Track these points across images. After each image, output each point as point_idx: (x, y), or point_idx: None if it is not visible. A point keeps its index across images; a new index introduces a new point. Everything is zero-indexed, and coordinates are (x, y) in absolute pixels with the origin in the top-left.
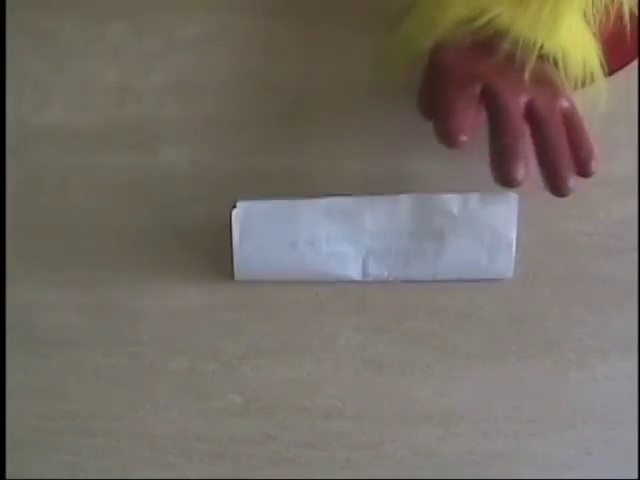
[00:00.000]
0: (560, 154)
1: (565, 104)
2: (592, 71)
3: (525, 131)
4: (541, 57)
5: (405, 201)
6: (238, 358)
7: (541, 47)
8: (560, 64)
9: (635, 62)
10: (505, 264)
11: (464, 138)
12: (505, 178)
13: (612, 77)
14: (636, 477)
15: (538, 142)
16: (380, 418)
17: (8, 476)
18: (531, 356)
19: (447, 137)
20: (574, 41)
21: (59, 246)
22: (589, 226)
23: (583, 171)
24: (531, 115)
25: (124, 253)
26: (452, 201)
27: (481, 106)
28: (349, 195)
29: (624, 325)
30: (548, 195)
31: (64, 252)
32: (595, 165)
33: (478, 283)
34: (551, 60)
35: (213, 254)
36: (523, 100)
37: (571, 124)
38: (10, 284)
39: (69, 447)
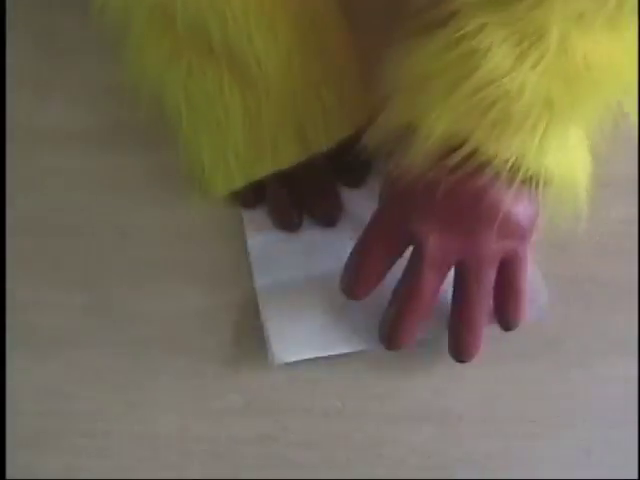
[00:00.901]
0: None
1: (515, 250)
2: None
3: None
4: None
5: None
6: (238, 358)
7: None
8: (541, 185)
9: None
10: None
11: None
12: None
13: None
14: (636, 477)
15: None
16: (380, 418)
17: (8, 476)
18: (531, 356)
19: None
20: (560, 162)
21: (59, 246)
22: (589, 226)
23: (504, 328)
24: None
25: (124, 253)
26: None
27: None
28: None
29: (624, 325)
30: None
31: (64, 252)
32: (517, 324)
33: None
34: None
35: (213, 254)
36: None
37: (509, 275)
38: (10, 284)
39: (69, 447)
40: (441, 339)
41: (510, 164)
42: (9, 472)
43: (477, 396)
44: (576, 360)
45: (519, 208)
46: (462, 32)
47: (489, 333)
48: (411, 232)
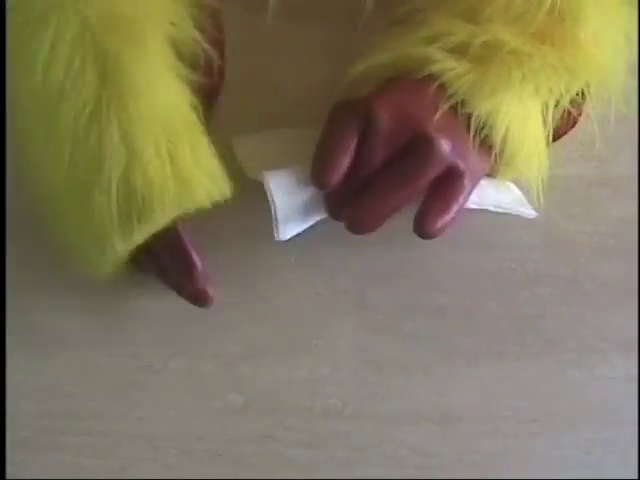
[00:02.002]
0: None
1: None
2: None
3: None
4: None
5: None
6: (238, 358)
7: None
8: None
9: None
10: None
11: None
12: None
13: (612, 77)
14: (636, 477)
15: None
16: (380, 418)
17: (8, 476)
18: (531, 356)
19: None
20: (519, 129)
21: (59, 246)
22: (589, 226)
23: (416, 229)
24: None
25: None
26: None
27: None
28: None
29: (624, 325)
30: (548, 195)
31: (64, 252)
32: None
33: (478, 283)
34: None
35: (213, 254)
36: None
37: (445, 187)
38: (10, 284)
39: (69, 447)
40: (441, 339)
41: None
42: (9, 472)
43: (477, 396)
44: (576, 360)
45: (460, 137)
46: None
47: (489, 332)
48: (367, 108)
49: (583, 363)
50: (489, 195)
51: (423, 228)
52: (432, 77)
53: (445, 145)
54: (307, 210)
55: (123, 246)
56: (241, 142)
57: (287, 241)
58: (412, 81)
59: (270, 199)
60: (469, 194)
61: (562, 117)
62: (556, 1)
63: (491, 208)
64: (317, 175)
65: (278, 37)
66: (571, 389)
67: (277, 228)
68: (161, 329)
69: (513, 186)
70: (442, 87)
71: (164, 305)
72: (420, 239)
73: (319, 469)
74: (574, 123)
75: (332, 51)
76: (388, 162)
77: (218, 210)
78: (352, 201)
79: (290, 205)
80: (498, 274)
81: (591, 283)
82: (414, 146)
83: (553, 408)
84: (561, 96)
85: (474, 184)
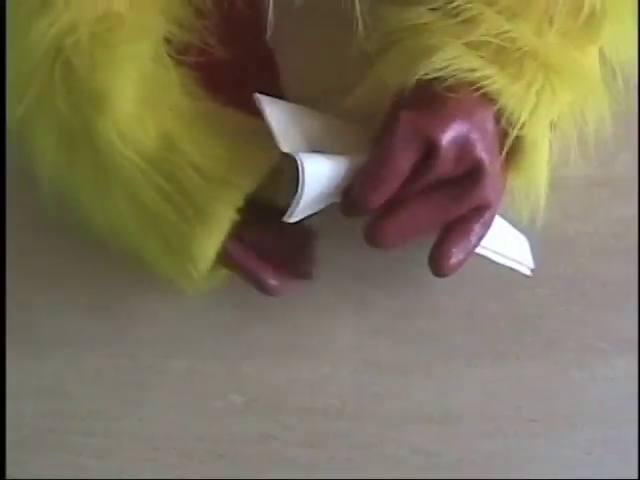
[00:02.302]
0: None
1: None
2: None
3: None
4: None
5: None
6: (238, 358)
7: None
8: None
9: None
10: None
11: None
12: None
13: (612, 77)
14: (636, 477)
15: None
16: (380, 418)
17: (8, 476)
18: (531, 356)
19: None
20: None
21: (59, 246)
22: (589, 226)
23: (431, 263)
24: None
25: (124, 253)
26: None
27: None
28: None
29: (624, 325)
30: (548, 195)
31: (64, 252)
32: (441, 271)
33: (478, 283)
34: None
35: None
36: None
37: (468, 219)
38: (10, 284)
39: (69, 447)
40: (441, 339)
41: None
42: (9, 472)
43: (477, 396)
44: (576, 360)
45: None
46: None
47: (489, 332)
48: (431, 138)
49: (583, 363)
50: (495, 235)
51: (440, 265)
52: (489, 98)
53: (492, 182)
54: (322, 197)
55: (188, 280)
56: (272, 107)
57: None
58: (473, 101)
59: (300, 182)
60: (488, 229)
61: None
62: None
63: (491, 255)
64: (363, 193)
65: (278, 37)
66: (571, 389)
67: (292, 211)
68: (161, 329)
69: (522, 237)
70: (501, 113)
71: (164, 305)
72: (420, 240)
73: (319, 469)
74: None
75: (332, 51)
76: (430, 185)
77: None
78: (380, 211)
79: (313, 193)
80: (498, 274)
81: (591, 283)
82: (465, 175)
83: (553, 408)
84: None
85: (494, 217)
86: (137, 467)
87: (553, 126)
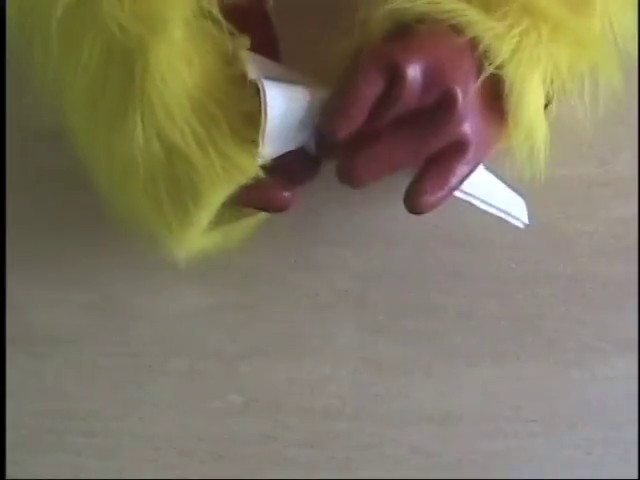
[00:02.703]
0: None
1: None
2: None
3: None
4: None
5: None
6: (238, 358)
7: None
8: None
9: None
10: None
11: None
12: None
13: (612, 76)
14: (636, 477)
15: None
16: (380, 418)
17: (8, 476)
18: (531, 356)
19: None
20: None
21: (59, 246)
22: (589, 226)
23: (406, 201)
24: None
25: (124, 253)
26: None
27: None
28: None
29: (624, 325)
30: (548, 195)
31: (64, 252)
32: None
33: (478, 283)
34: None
35: (213, 254)
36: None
37: (445, 156)
38: (10, 284)
39: (69, 447)
40: (441, 339)
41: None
42: (9, 472)
43: (477, 396)
44: (576, 360)
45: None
46: None
47: (489, 332)
48: (394, 62)
49: (583, 363)
50: (482, 185)
51: (415, 201)
52: (463, 30)
53: (467, 112)
54: (292, 131)
55: (185, 232)
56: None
57: (287, 241)
58: (444, 32)
59: (263, 104)
60: (468, 174)
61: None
62: None
63: (477, 203)
64: (329, 123)
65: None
66: (571, 389)
67: (263, 141)
68: (161, 329)
69: (518, 197)
70: (475, 44)
71: (164, 305)
72: (420, 240)
73: (319, 469)
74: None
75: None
76: (402, 117)
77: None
78: (351, 148)
79: (280, 121)
80: (498, 274)
81: (591, 283)
82: (435, 104)
83: (553, 408)
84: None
85: (476, 163)
86: (137, 467)
87: (551, 84)
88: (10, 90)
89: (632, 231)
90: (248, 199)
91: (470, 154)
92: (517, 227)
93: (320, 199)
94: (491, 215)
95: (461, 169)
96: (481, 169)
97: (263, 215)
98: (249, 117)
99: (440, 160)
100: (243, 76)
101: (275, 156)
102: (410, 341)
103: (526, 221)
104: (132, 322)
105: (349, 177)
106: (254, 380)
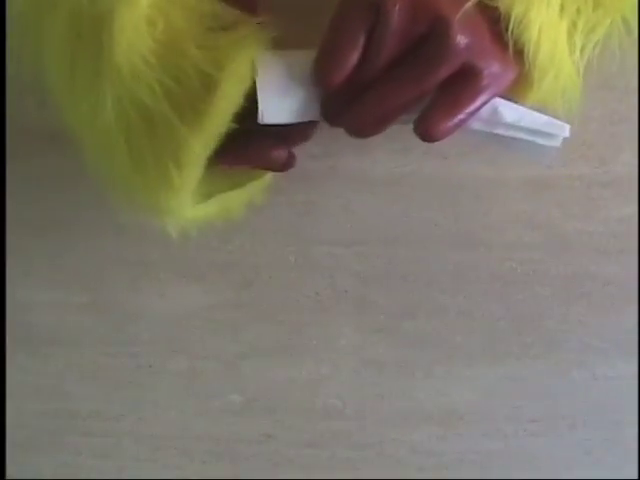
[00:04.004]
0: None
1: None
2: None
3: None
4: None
5: None
6: (238, 358)
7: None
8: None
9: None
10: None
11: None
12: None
13: (611, 77)
14: (636, 477)
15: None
16: (380, 418)
17: (8, 476)
18: (531, 356)
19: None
20: (548, 38)
21: (59, 246)
22: (589, 226)
23: (417, 128)
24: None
25: (124, 253)
26: None
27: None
28: None
29: (624, 325)
30: (548, 195)
31: (64, 252)
32: (430, 133)
33: (478, 283)
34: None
35: (213, 254)
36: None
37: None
38: (10, 284)
39: (69, 447)
40: (441, 339)
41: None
42: (9, 472)
43: (477, 396)
44: (576, 360)
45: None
46: None
47: (489, 332)
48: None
49: (583, 363)
50: (505, 111)
51: (426, 127)
52: None
53: (463, 37)
54: (298, 106)
55: (172, 197)
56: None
57: (287, 241)
58: None
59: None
60: (483, 101)
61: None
62: None
63: (502, 131)
64: (321, 71)
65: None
66: (571, 389)
67: (262, 107)
68: (161, 329)
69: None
70: None
71: (164, 305)
72: (420, 240)
73: (319, 469)
74: None
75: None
76: (397, 59)
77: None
78: (353, 98)
79: (277, 86)
80: (498, 274)
81: (591, 283)
82: (428, 36)
83: (553, 408)
84: (590, 28)
85: (491, 91)
86: (137, 467)
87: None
88: (10, 90)
89: (632, 231)
90: (243, 158)
91: (481, 80)
92: (517, 227)
93: (320, 198)
94: (492, 215)
95: (473, 95)
96: (504, 101)
97: (258, 184)
98: (222, 68)
99: (450, 88)
100: (217, 27)
101: (277, 121)
102: (410, 341)
103: (566, 134)
104: (132, 322)
105: (355, 130)
106: (254, 380)
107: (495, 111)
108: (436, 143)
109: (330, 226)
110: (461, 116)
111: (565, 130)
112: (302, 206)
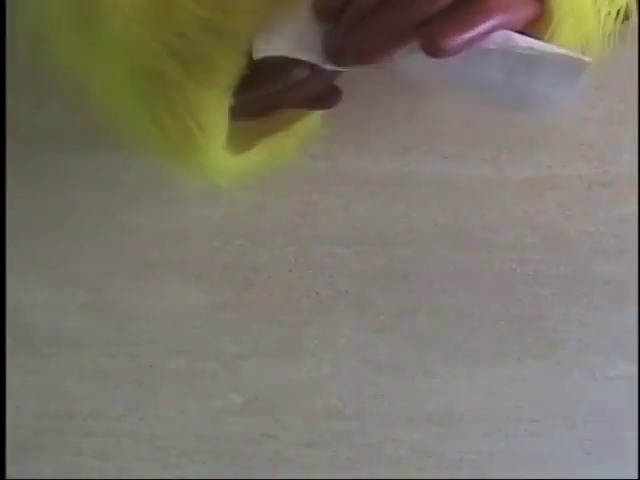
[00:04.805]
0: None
1: None
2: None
3: None
4: None
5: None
6: (238, 358)
7: None
8: None
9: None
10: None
11: None
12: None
13: (611, 77)
14: (636, 477)
15: None
16: (380, 418)
17: (8, 476)
18: (531, 356)
19: None
20: None
21: (59, 246)
22: (589, 226)
23: (423, 44)
24: None
25: (124, 253)
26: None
27: None
28: None
29: (624, 325)
30: (548, 195)
31: (64, 252)
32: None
33: (478, 283)
34: None
35: (213, 254)
36: None
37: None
38: (10, 284)
39: (69, 447)
40: (441, 339)
41: None
42: (9, 472)
43: (477, 396)
44: (576, 360)
45: None
46: None
47: (489, 332)
48: None
49: (583, 363)
50: (519, 39)
51: (435, 38)
52: None
53: None
54: (296, 41)
55: (203, 154)
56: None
57: (287, 241)
58: None
59: None
60: (495, 23)
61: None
62: None
63: (521, 50)
64: (315, 2)
65: None
66: (571, 389)
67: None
68: (161, 329)
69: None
70: None
71: (164, 305)
72: (420, 240)
73: (319, 469)
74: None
75: None
76: None
77: (219, 210)
78: (355, 30)
79: (274, 27)
80: (498, 274)
81: (591, 283)
82: None
83: (554, 408)
84: None
85: (505, 16)
86: (137, 467)
87: None
88: (10, 90)
89: (632, 231)
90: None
91: (493, 1)
92: (517, 227)
93: (320, 198)
94: (491, 215)
95: (484, 14)
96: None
97: (303, 127)
98: (219, 19)
99: (462, 6)
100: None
101: (279, 52)
102: (410, 341)
103: (588, 63)
104: (132, 322)
105: (362, 55)
106: (254, 380)
107: (509, 37)
108: (436, 143)
109: (330, 226)
110: (472, 33)
111: (585, 62)
112: (302, 206)
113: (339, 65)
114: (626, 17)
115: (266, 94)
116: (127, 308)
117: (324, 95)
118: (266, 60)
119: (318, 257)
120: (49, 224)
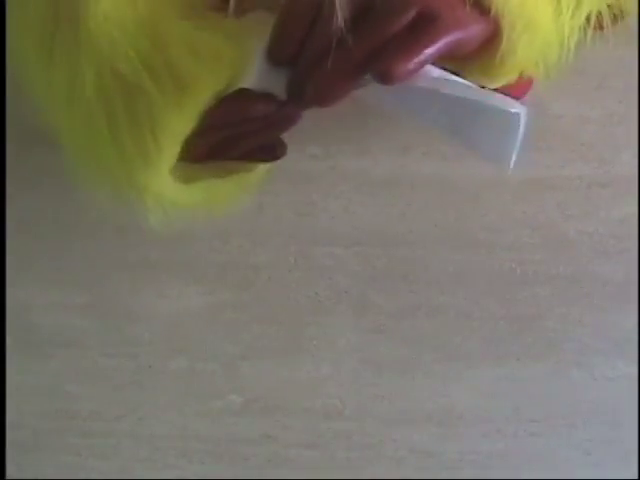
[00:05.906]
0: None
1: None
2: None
3: None
4: None
5: None
6: (238, 358)
7: None
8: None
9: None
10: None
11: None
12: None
13: (611, 77)
14: (636, 477)
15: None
16: (380, 418)
17: (8, 476)
18: (531, 356)
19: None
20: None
21: (59, 246)
22: (589, 226)
23: (376, 72)
24: None
25: (124, 253)
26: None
27: None
28: None
29: (624, 325)
30: (548, 195)
31: (64, 252)
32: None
33: (478, 283)
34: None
35: (213, 254)
36: None
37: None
38: (10, 284)
39: (69, 447)
40: (441, 339)
41: None
42: (9, 472)
43: (477, 396)
44: (576, 360)
45: None
46: None
47: (489, 332)
48: None
49: (583, 363)
50: (455, 79)
51: (384, 65)
52: None
53: None
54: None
55: (150, 176)
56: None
57: (287, 241)
58: None
59: None
60: (443, 43)
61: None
62: None
63: (459, 93)
64: (275, 44)
65: None
66: (571, 389)
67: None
68: (161, 329)
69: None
70: None
71: (164, 305)
72: (420, 240)
73: (319, 469)
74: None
75: None
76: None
77: (217, 210)
78: (313, 72)
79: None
80: (498, 274)
81: (591, 283)
82: None
83: (553, 408)
84: None
85: (452, 35)
86: (137, 467)
87: None
88: (10, 90)
89: (632, 231)
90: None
91: (440, 23)
92: (517, 227)
93: (320, 198)
94: (491, 215)
95: (432, 36)
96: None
97: (248, 179)
98: (203, 40)
99: (410, 32)
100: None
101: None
102: (410, 341)
103: (523, 111)
104: (132, 323)
105: (319, 98)
106: (254, 380)
107: (445, 75)
108: (436, 143)
109: (330, 226)
110: (421, 57)
111: (517, 108)
112: (302, 206)
113: (301, 108)
114: (621, 17)
115: (222, 135)
116: (127, 308)
117: (272, 146)
118: (234, 92)
119: (318, 257)
120: (49, 224)
